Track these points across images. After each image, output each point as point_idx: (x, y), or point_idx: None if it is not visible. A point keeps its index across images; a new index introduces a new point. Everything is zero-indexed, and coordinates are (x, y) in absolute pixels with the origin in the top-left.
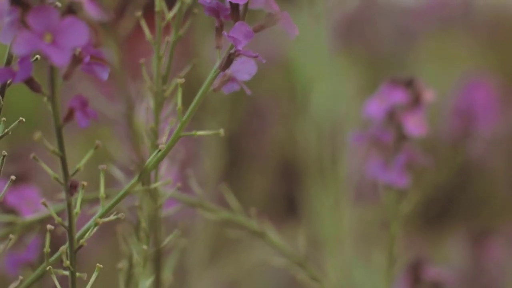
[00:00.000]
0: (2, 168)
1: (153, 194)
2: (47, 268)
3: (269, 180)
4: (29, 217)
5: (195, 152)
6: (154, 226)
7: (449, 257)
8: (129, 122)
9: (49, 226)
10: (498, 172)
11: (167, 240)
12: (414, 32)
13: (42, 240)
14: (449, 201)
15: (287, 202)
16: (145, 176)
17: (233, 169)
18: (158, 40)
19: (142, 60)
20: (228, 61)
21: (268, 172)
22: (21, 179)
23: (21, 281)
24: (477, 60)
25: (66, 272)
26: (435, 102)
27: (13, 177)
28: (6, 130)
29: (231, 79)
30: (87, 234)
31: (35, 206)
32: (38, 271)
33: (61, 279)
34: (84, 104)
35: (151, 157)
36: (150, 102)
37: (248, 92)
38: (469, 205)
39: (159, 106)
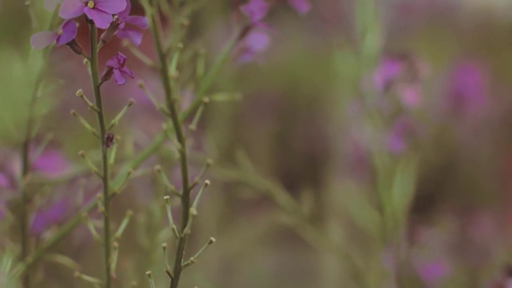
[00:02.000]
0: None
1: (182, 139)
2: (83, 215)
3: (266, 168)
4: (57, 176)
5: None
6: (184, 167)
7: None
8: (163, 73)
9: (82, 181)
10: (485, 156)
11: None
12: (402, 27)
13: (68, 201)
14: (437, 183)
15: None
16: (178, 124)
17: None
18: (176, 10)
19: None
20: (245, 32)
21: (265, 160)
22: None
23: (54, 233)
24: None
25: (98, 223)
26: (427, 84)
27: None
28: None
29: (246, 50)
30: (120, 184)
31: (60, 169)
32: (73, 220)
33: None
34: (121, 63)
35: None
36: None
37: (262, 61)
38: (456, 187)
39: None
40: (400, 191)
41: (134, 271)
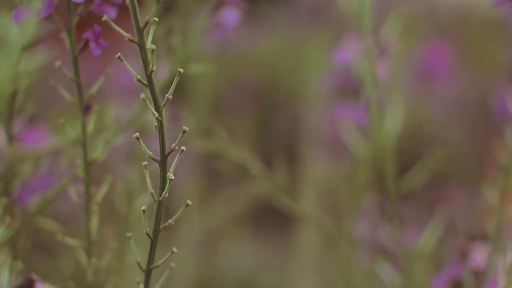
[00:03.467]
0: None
1: (159, 108)
2: (65, 181)
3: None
4: (42, 147)
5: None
6: (161, 134)
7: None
8: (141, 46)
9: (69, 153)
10: (457, 133)
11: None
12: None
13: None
14: (408, 157)
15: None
16: (155, 94)
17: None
18: None
19: None
20: (217, 7)
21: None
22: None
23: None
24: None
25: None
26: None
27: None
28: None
29: (219, 25)
30: (99, 152)
31: (44, 142)
32: (58, 186)
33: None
34: (97, 35)
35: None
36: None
37: (233, 37)
38: (428, 161)
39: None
40: (391, 122)
41: (114, 237)
